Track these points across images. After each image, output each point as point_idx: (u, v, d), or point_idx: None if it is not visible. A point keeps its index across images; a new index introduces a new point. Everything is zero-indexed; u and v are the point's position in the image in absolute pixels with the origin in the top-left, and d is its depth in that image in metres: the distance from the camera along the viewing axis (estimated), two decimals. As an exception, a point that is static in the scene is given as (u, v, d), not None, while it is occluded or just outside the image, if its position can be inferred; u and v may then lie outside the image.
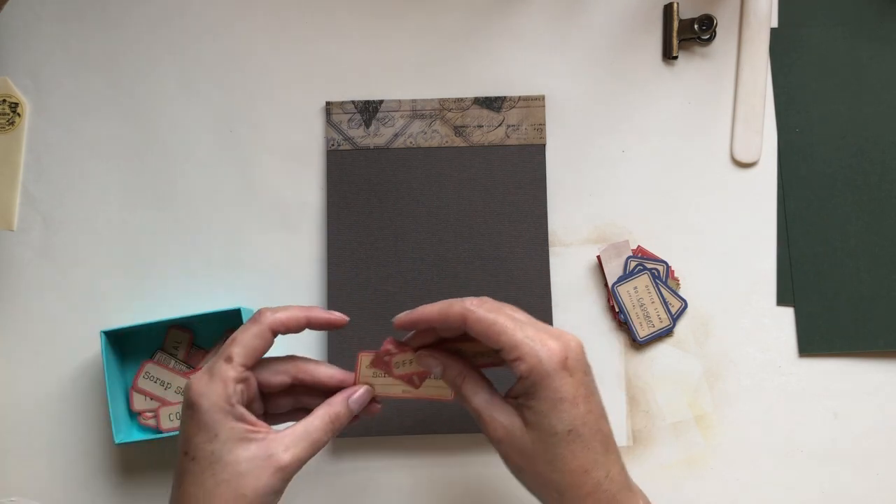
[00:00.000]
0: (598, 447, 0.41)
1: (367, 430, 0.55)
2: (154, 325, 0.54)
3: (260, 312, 0.44)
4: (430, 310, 0.43)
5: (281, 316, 0.44)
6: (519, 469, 0.42)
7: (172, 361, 0.55)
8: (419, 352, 0.45)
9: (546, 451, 0.41)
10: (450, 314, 0.42)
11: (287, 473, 0.41)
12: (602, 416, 0.42)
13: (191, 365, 0.55)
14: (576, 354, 0.41)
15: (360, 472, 0.56)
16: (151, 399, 0.55)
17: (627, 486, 0.42)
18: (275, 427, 0.43)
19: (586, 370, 0.42)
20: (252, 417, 0.42)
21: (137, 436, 0.54)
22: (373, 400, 0.46)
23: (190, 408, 0.41)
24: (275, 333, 0.43)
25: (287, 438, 0.42)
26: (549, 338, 0.41)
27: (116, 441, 0.52)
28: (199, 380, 0.42)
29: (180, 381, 0.55)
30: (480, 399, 0.43)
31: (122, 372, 0.55)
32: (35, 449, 0.56)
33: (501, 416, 0.42)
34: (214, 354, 0.46)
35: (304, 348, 0.56)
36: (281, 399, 0.46)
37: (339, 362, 0.55)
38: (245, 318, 0.53)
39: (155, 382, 0.55)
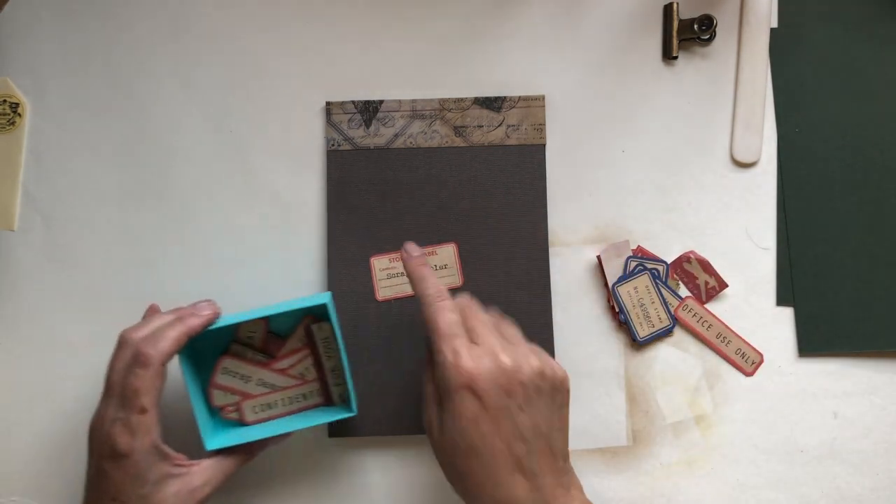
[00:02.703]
0: (501, 467, 0.42)
1: (368, 429, 0.55)
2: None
3: (143, 355, 0.46)
4: (425, 280, 0.47)
5: (165, 347, 0.46)
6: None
7: (249, 352, 0.52)
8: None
9: (446, 459, 0.44)
10: (418, 292, 0.47)
11: (206, 502, 0.48)
12: (518, 438, 0.42)
13: (270, 354, 0.52)
14: (488, 379, 0.42)
15: (361, 472, 0.56)
16: (232, 394, 0.52)
17: None
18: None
19: (506, 394, 0.42)
20: (172, 452, 0.47)
21: (226, 441, 0.50)
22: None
23: (117, 459, 0.45)
24: (165, 365, 0.47)
25: (206, 472, 0.48)
26: (475, 357, 0.43)
27: (208, 448, 0.49)
28: (122, 437, 0.45)
29: (261, 374, 0.52)
30: (430, 388, 0.46)
31: (191, 371, 0.51)
32: (35, 449, 0.56)
33: (431, 410, 0.45)
34: (110, 398, 0.47)
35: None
36: None
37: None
38: (332, 312, 0.50)
39: (234, 377, 0.52)
